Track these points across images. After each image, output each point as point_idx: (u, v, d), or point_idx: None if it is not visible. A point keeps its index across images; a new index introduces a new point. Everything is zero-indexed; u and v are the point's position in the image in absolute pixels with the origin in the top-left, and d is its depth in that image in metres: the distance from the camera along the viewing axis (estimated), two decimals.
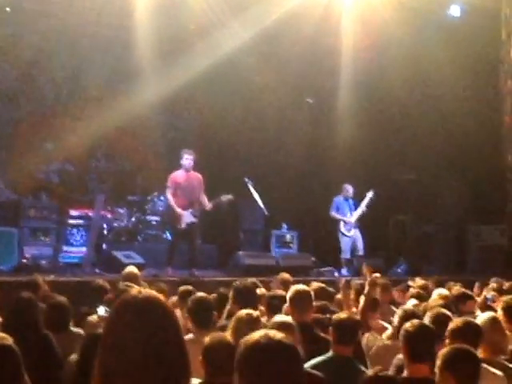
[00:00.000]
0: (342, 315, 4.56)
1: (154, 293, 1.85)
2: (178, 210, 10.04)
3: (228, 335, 4.24)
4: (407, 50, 12.85)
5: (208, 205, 10.21)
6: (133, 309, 1.77)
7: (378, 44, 13.05)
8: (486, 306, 6.32)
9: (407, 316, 4.61)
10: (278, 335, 1.97)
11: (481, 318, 4.70)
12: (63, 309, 5.36)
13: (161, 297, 1.85)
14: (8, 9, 12.00)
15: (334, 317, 4.60)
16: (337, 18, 12.33)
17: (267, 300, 5.69)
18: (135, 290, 1.86)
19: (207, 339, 3.69)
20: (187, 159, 10.17)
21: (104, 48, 13.16)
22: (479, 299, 6.75)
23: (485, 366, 4.04)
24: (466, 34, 12.61)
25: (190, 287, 6.29)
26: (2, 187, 12.43)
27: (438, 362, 3.56)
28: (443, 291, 6.60)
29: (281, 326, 3.79)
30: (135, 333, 1.73)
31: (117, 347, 1.74)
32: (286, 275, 7.62)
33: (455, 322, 4.33)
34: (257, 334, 1.97)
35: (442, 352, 3.59)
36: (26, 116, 13.08)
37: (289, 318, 4.41)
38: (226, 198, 10.40)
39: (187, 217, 10.09)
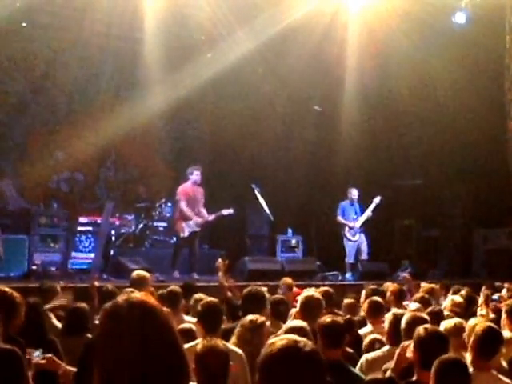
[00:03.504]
0: (328, 319, 4.35)
1: (141, 297, 1.78)
2: (195, 217, 10.76)
3: (233, 340, 4.24)
4: (412, 57, 12.91)
5: (209, 216, 10.93)
6: (120, 316, 1.72)
7: (383, 51, 13.12)
8: (488, 307, 6.37)
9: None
10: (307, 344, 1.93)
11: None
12: (82, 314, 5.44)
13: (150, 300, 1.79)
14: (24, 24, 12.24)
15: (320, 321, 4.40)
16: (343, 26, 12.40)
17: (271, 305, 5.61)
18: (122, 296, 1.80)
19: (199, 346, 3.62)
20: (197, 175, 10.88)
21: (114, 59, 13.34)
22: (482, 302, 6.79)
23: (494, 372, 4.07)
24: (471, 41, 12.66)
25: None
26: (14, 196, 12.55)
27: (431, 372, 3.50)
28: (457, 298, 6.55)
29: (294, 331, 3.71)
30: (126, 339, 1.69)
31: (109, 356, 1.70)
32: (288, 280, 7.62)
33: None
34: (284, 340, 1.94)
35: (435, 362, 3.51)
36: (38, 126, 13.22)
37: (303, 323, 4.35)
38: (227, 211, 11.04)
39: (192, 226, 10.78)
